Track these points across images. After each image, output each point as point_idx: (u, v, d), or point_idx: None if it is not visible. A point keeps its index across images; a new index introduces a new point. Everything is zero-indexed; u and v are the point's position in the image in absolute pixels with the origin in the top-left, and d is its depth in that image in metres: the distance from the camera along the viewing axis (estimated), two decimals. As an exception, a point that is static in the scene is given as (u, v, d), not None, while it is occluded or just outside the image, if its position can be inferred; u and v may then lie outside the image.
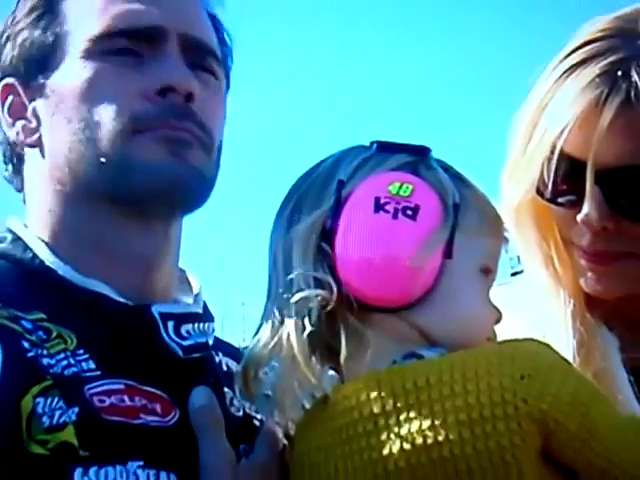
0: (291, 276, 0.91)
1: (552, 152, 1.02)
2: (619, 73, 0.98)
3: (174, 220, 0.99)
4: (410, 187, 0.91)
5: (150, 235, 0.98)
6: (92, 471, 0.86)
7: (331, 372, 0.95)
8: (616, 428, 0.91)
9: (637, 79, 0.97)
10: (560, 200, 1.05)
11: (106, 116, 0.93)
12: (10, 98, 1.00)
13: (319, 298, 0.90)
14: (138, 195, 0.94)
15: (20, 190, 1.03)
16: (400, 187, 0.91)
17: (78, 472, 0.85)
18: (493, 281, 0.99)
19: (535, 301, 1.15)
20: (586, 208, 1.01)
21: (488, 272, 0.96)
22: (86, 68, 0.95)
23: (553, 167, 1.04)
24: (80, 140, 0.95)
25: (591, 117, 1.00)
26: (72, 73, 0.96)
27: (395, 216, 0.89)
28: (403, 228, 0.90)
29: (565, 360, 0.93)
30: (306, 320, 0.91)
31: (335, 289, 0.90)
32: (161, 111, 0.94)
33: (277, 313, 0.91)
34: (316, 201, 0.92)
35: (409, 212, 0.90)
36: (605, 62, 1.00)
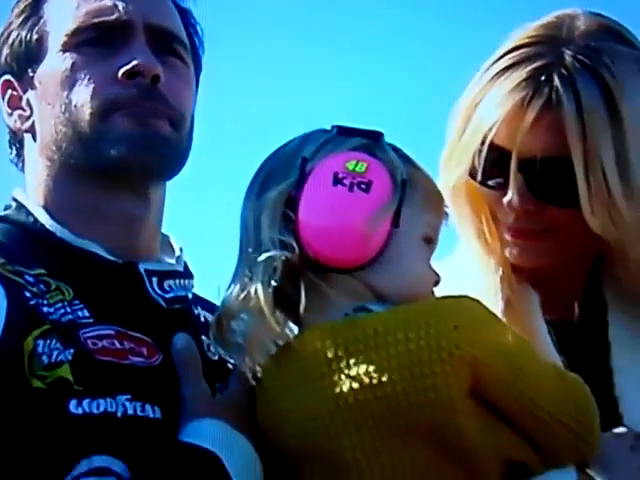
0: (260, 238, 1.01)
1: (483, 143, 1.14)
2: (542, 78, 1.10)
3: (152, 185, 1.10)
4: (365, 165, 1.02)
5: (131, 199, 1.09)
6: (85, 402, 0.96)
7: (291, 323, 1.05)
8: (538, 372, 1.03)
9: (558, 84, 1.09)
10: (489, 183, 1.17)
11: (82, 100, 1.05)
12: (9, 92, 1.13)
13: (283, 258, 1.00)
14: (115, 164, 1.05)
15: (22, 170, 1.15)
16: (356, 164, 1.02)
17: (73, 403, 0.96)
18: (434, 249, 1.11)
19: (469, 267, 1.26)
20: (510, 193, 1.13)
21: (430, 241, 1.09)
22: (64, 59, 1.08)
23: (483, 156, 1.15)
24: (62, 122, 1.07)
25: (517, 115, 1.11)
26: (53, 65, 1.08)
27: (351, 189, 1.00)
28: (357, 200, 1.00)
29: (493, 314, 1.05)
30: (272, 277, 1.00)
31: (297, 251, 1.00)
32: (130, 92, 1.05)
33: (247, 271, 1.01)
34: (283, 174, 1.03)
35: (363, 186, 1.01)
36: (530, 67, 1.12)
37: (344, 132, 1.07)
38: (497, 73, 1.15)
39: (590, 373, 1.09)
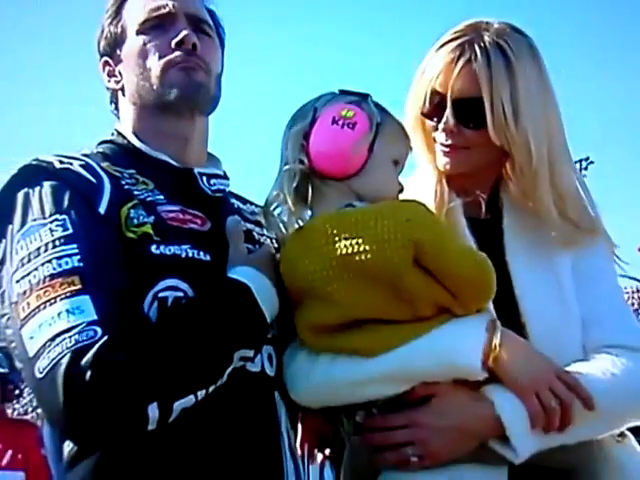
0: (286, 156, 1.42)
1: (429, 89, 1.52)
2: (466, 46, 1.48)
3: (197, 115, 1.52)
4: (352, 112, 1.39)
5: (183, 124, 1.52)
6: (161, 247, 1.35)
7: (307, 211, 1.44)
8: (457, 248, 1.38)
9: (477, 49, 1.46)
10: (432, 116, 1.54)
11: (151, 63, 1.50)
12: (107, 68, 1.58)
13: (299, 168, 1.40)
14: (173, 102, 1.48)
15: (118, 117, 1.58)
16: (347, 112, 1.39)
17: (153, 247, 1.34)
18: (400, 169, 1.47)
19: (421, 183, 1.60)
20: (445, 118, 1.50)
21: (397, 163, 1.45)
22: (138, 40, 1.51)
23: (429, 97, 1.53)
24: (140, 79, 1.51)
25: (449, 69, 1.49)
26: (131, 44, 1.53)
27: (342, 127, 1.38)
28: (346, 134, 1.38)
29: (431, 211, 1.43)
30: (292, 180, 1.41)
31: (308, 165, 1.39)
32: (179, 55, 1.48)
33: (280, 178, 1.42)
34: (302, 117, 1.43)
35: (350, 125, 1.38)
36: (459, 41, 1.50)
37: (344, 92, 1.45)
38: (439, 47, 1.53)
39: (491, 251, 1.41)
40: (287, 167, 1.41)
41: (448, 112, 1.50)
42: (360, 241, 1.34)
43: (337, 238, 1.35)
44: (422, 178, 1.60)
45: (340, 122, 1.38)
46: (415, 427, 1.37)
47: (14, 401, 4.60)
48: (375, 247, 1.33)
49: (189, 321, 1.28)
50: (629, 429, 1.54)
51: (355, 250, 1.33)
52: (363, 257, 1.33)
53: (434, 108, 1.54)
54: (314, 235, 1.39)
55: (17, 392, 4.24)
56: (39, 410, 1.38)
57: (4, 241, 1.33)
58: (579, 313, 1.52)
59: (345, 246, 1.34)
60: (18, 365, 1.28)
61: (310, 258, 1.37)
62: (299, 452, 1.52)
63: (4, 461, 3.82)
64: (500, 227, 1.58)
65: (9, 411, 5.06)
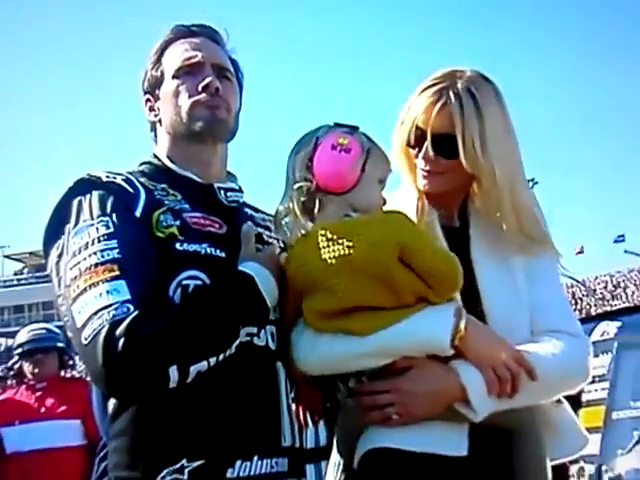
0: (295, 176, 1.60)
1: (412, 125, 1.70)
2: (443, 92, 1.65)
3: (218, 144, 1.74)
4: (347, 140, 1.57)
5: (208, 151, 1.74)
6: (184, 244, 1.55)
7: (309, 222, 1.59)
8: (434, 249, 1.55)
9: (451, 95, 1.64)
10: (415, 146, 1.71)
11: (182, 102, 1.70)
12: (148, 103, 1.79)
13: (306, 186, 1.58)
14: (198, 133, 1.70)
15: (156, 142, 1.80)
16: (343, 139, 1.57)
17: (177, 244, 1.55)
18: (384, 187, 1.63)
19: (404, 197, 1.75)
20: (425, 149, 1.67)
21: (381, 182, 1.62)
22: (173, 82, 1.73)
23: (413, 132, 1.70)
24: (173, 114, 1.71)
25: (429, 110, 1.66)
26: (168, 86, 1.73)
27: (340, 152, 1.56)
28: (343, 157, 1.56)
29: (412, 221, 1.60)
30: (300, 195, 1.58)
31: (314, 183, 1.57)
32: (205, 96, 1.69)
33: (289, 193, 1.61)
34: (306, 145, 1.61)
35: (347, 150, 1.56)
36: (438, 87, 1.67)
37: (338, 125, 1.63)
38: (421, 91, 1.71)
39: (459, 252, 1.59)
40: (298, 184, 1.59)
41: (428, 144, 1.67)
42: (356, 243, 1.50)
43: (337, 241, 1.52)
44: (406, 194, 1.77)
45: (338, 148, 1.56)
46: (396, 392, 1.56)
47: (69, 369, 5.02)
48: (368, 248, 1.50)
49: (205, 303, 1.50)
50: (565, 397, 1.74)
51: (352, 251, 1.50)
52: (356, 255, 1.50)
53: (416, 140, 1.71)
54: (316, 240, 1.55)
55: (71, 362, 4.65)
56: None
57: (63, 237, 1.56)
58: (528, 304, 1.69)
59: (344, 248, 1.51)
60: (69, 334, 1.48)
61: (315, 258, 1.54)
62: (295, 412, 1.72)
63: (61, 412, 4.18)
64: (467, 234, 1.75)
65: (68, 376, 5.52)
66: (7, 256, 60.83)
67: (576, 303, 13.22)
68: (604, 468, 2.95)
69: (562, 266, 1.79)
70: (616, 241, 31.65)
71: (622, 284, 15.07)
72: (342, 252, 1.51)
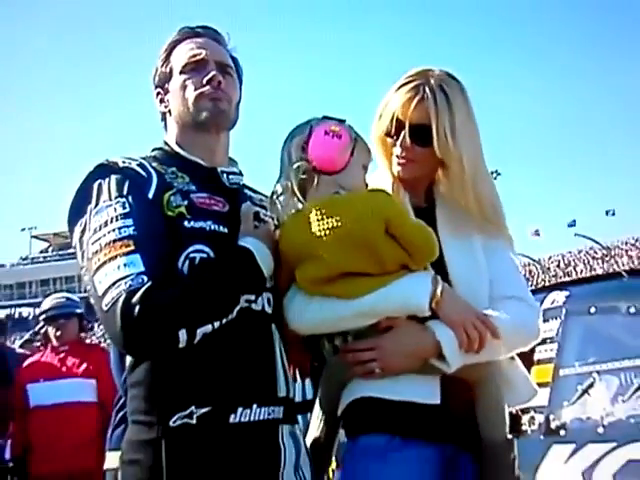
0: (292, 157, 1.60)
1: (392, 117, 1.71)
2: (419, 88, 1.67)
3: (221, 132, 1.73)
4: (338, 128, 1.58)
5: (212, 138, 1.72)
6: (192, 222, 1.55)
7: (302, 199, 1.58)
8: (414, 223, 1.56)
9: (427, 91, 1.66)
10: (393, 136, 1.72)
11: (188, 94, 1.69)
12: (159, 96, 1.77)
13: (302, 165, 1.58)
14: (203, 122, 1.68)
15: (166, 130, 1.78)
16: (334, 127, 1.58)
17: (186, 222, 1.55)
18: (367, 171, 1.65)
19: (380, 180, 1.76)
20: (402, 138, 1.68)
21: (364, 168, 1.64)
22: (180, 77, 1.71)
23: (393, 123, 1.71)
24: (181, 105, 1.70)
25: (407, 104, 1.68)
26: (176, 81, 1.72)
27: (332, 137, 1.57)
28: (334, 142, 1.57)
29: (395, 199, 1.61)
30: (297, 173, 1.58)
31: (308, 163, 1.57)
32: (209, 89, 1.68)
33: (287, 171, 1.60)
34: (301, 132, 1.61)
35: (337, 137, 1.57)
36: (413, 84, 1.69)
37: (327, 117, 1.63)
38: (398, 87, 1.72)
39: None
40: (296, 164, 1.59)
41: (406, 133, 1.69)
42: (342, 217, 1.51)
43: (325, 216, 1.52)
44: (381, 178, 1.78)
45: (331, 134, 1.58)
46: (379, 349, 1.57)
47: (88, 332, 5.07)
48: (357, 221, 1.50)
49: (209, 274, 1.51)
50: (519, 357, 1.77)
51: (339, 223, 1.50)
52: (345, 228, 1.50)
53: (396, 130, 1.72)
54: (308, 214, 1.55)
55: (90, 326, 4.82)
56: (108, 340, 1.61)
57: (85, 216, 1.55)
58: (487, 275, 1.72)
59: (334, 221, 1.51)
60: (92, 301, 1.50)
61: (307, 230, 1.53)
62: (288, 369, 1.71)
63: (80, 371, 4.24)
64: (434, 214, 1.77)
65: (87, 341, 5.66)
66: (34, 236, 60.77)
67: (532, 279, 13.37)
68: (552, 417, 3.03)
69: (514, 249, 1.82)
70: (570, 225, 31.68)
71: (572, 263, 15.25)
72: (332, 225, 1.50)
